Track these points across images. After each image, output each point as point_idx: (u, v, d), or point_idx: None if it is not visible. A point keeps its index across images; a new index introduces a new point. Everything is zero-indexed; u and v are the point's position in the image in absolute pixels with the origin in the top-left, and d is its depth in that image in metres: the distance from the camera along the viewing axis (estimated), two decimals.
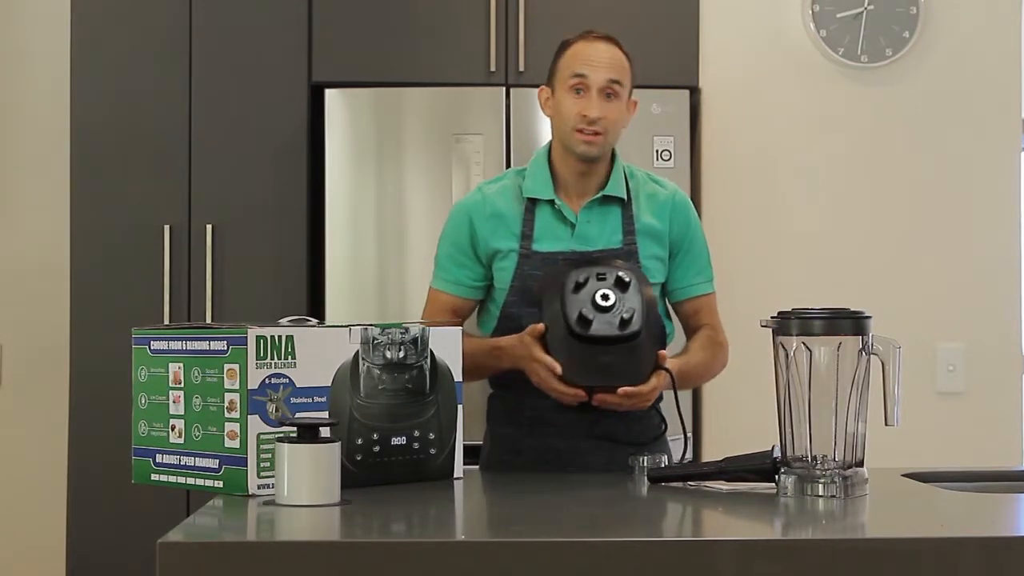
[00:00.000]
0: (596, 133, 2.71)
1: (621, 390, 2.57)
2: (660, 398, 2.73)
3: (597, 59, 2.73)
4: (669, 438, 2.82)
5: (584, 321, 2.57)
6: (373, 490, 2.26)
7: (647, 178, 2.85)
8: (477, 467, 2.81)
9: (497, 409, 2.85)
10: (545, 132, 3.19)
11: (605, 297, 2.58)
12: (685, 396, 3.68)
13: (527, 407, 2.71)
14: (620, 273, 2.61)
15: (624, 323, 2.57)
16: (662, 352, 2.64)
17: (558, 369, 2.57)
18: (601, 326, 2.57)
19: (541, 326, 2.61)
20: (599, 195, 2.77)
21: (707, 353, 2.83)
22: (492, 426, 2.86)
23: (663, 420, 2.80)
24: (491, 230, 2.77)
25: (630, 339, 2.58)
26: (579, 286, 2.59)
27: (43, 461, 4.09)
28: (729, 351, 2.88)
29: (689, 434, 2.79)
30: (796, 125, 3.97)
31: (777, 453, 2.29)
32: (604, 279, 2.60)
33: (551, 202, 2.77)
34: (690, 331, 2.88)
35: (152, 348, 2.34)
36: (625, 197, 2.78)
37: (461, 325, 2.59)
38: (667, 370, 2.62)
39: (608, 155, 2.79)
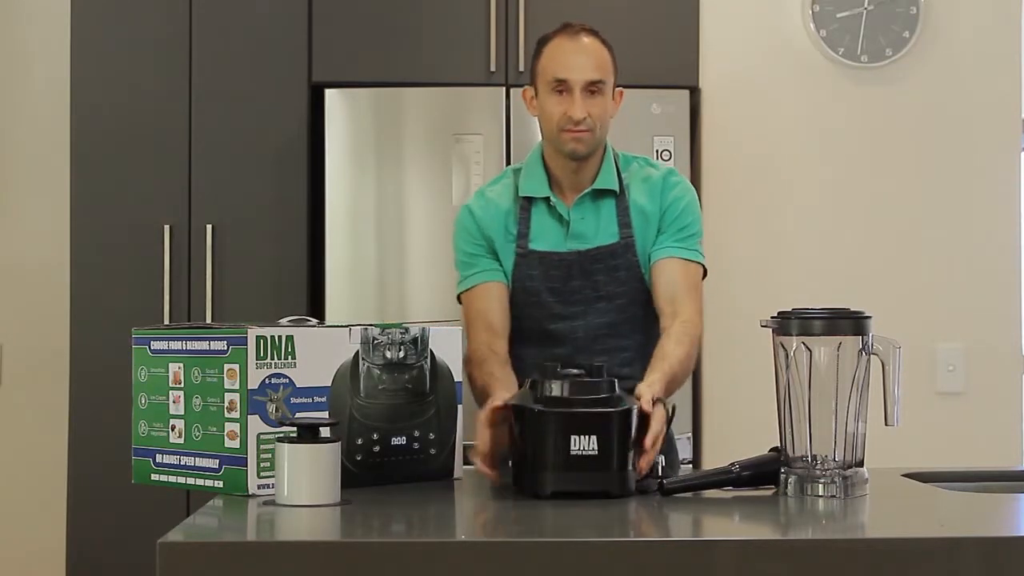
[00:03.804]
0: (583, 131, 2.70)
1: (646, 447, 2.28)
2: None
3: (576, 62, 2.69)
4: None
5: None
6: (373, 490, 2.26)
7: (644, 164, 2.84)
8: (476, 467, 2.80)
9: None
10: None
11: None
12: (685, 396, 3.71)
13: None
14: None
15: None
16: (643, 405, 2.31)
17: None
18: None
19: (499, 406, 2.33)
20: (590, 189, 2.76)
21: (683, 348, 2.62)
22: None
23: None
24: (495, 230, 2.78)
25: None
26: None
27: (43, 461, 4.09)
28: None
29: (689, 435, 2.76)
30: (796, 125, 3.97)
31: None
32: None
33: (546, 199, 2.77)
34: (663, 301, 2.71)
35: (152, 348, 2.34)
36: (617, 189, 2.77)
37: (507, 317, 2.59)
38: (659, 401, 2.36)
39: (600, 149, 2.78)
